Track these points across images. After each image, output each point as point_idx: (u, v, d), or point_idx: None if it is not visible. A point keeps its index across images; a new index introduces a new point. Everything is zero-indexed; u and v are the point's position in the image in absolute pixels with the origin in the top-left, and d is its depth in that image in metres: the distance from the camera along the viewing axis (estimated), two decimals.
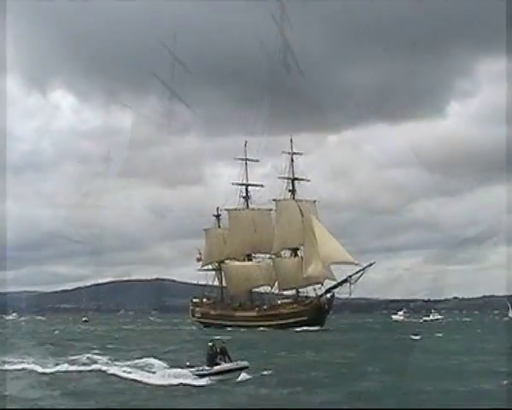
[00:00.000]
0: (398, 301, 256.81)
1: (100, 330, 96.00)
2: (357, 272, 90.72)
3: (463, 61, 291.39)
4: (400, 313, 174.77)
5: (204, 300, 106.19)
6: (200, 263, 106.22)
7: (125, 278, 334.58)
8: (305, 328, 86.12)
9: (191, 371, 25.37)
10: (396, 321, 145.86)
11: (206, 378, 24.72)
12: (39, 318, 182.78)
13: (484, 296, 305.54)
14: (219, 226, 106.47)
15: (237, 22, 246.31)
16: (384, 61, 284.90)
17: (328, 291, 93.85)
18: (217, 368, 25.29)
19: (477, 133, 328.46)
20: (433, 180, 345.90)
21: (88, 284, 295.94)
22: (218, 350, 25.88)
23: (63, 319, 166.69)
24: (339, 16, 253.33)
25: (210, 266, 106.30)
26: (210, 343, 26.24)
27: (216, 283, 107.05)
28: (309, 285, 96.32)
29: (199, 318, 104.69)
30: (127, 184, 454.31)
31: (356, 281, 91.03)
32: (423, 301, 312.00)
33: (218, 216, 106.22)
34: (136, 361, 31.21)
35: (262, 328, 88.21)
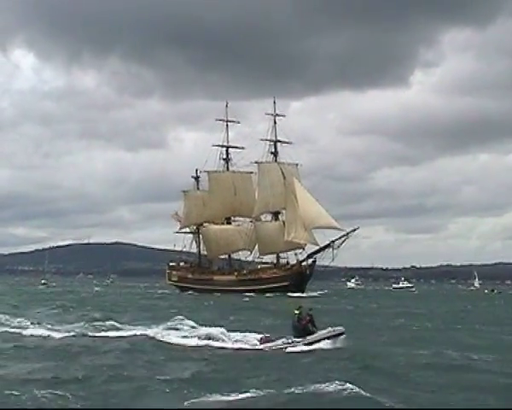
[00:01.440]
0: (356, 268, 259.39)
1: (74, 292, 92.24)
2: (340, 237, 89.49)
3: (428, 30, 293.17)
4: (353, 280, 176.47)
5: (181, 263, 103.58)
6: (178, 225, 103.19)
7: (85, 241, 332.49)
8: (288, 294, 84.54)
9: (284, 343, 22.69)
10: (351, 288, 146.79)
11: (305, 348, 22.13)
12: None
13: (441, 265, 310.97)
14: (198, 189, 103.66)
15: None
16: (348, 30, 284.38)
17: (309, 256, 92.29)
18: (313, 337, 22.57)
19: (439, 103, 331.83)
20: (394, 149, 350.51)
21: (47, 246, 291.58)
22: (306, 317, 23.21)
23: (21, 281, 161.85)
24: None
25: (187, 229, 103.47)
26: (296, 311, 23.49)
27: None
28: (290, 250, 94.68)
29: (175, 281, 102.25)
30: (88, 146, 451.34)
31: (339, 246, 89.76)
32: (381, 269, 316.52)
33: (197, 178, 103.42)
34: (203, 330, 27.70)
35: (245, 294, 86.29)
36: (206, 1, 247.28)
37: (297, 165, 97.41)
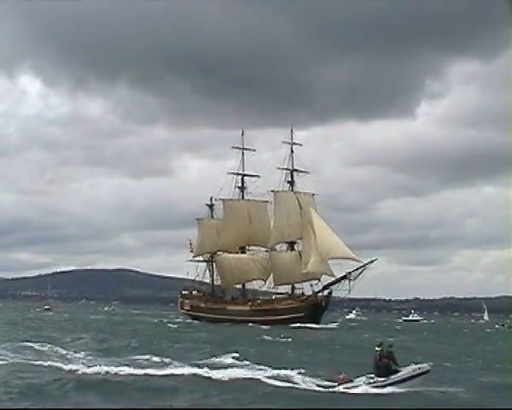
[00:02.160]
0: (358, 299, 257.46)
1: (100, 319, 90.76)
2: (356, 269, 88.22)
3: (434, 62, 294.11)
4: (354, 311, 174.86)
5: (194, 292, 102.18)
6: (191, 254, 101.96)
7: (88, 267, 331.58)
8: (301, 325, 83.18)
9: (366, 383, 21.32)
10: (350, 319, 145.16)
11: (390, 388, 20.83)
12: None
13: (444, 298, 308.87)
14: (212, 217, 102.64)
15: (208, 18, 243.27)
16: (355, 60, 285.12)
17: (325, 288, 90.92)
18: (397, 376, 21.26)
19: (444, 135, 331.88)
20: (399, 180, 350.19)
21: (50, 271, 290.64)
22: (385, 355, 21.87)
23: (24, 306, 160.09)
24: (311, 14, 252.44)
25: (201, 258, 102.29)
26: (378, 348, 22.14)
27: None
28: (306, 281, 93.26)
29: (188, 310, 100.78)
30: (92, 172, 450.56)
31: (355, 278, 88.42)
32: (384, 300, 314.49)
33: (211, 206, 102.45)
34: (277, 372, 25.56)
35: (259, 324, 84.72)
36: (212, 30, 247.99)
37: (313, 195, 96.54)
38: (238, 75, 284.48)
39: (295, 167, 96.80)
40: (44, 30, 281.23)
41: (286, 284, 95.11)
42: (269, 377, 23.77)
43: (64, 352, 31.90)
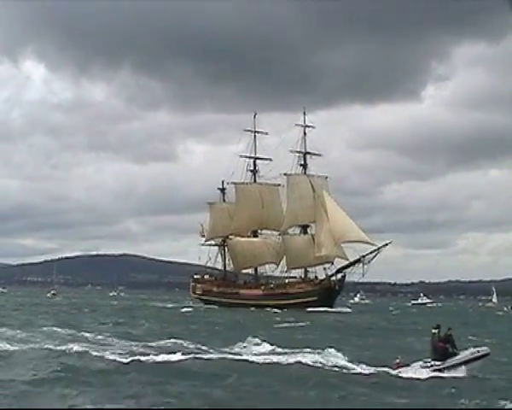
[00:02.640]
0: (363, 283, 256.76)
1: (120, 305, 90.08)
2: (371, 252, 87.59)
3: (440, 44, 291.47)
4: (358, 295, 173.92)
5: (206, 276, 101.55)
6: (203, 238, 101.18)
7: (93, 253, 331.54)
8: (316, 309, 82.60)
9: (423, 367, 20.53)
10: (356, 303, 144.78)
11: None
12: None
13: (449, 281, 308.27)
14: (224, 200, 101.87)
15: (212, 2, 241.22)
16: (360, 43, 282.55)
17: (339, 271, 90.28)
18: (455, 359, 20.49)
19: (450, 118, 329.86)
20: (404, 163, 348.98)
21: (55, 257, 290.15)
22: (442, 338, 21.11)
23: (30, 292, 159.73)
24: None
25: (213, 242, 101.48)
26: (434, 329, 21.37)
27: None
28: (319, 264, 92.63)
29: (200, 295, 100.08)
30: (97, 158, 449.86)
31: (369, 261, 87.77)
32: (389, 284, 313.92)
33: (223, 190, 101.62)
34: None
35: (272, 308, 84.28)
36: (217, 14, 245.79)
37: (326, 177, 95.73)
38: (241, 60, 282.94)
39: (308, 150, 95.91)
40: (48, 15, 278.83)
41: (299, 267, 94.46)
42: (315, 362, 23.03)
43: (97, 337, 31.20)
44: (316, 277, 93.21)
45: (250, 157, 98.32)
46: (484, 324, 60.89)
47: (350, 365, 22.33)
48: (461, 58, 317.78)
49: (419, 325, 50.27)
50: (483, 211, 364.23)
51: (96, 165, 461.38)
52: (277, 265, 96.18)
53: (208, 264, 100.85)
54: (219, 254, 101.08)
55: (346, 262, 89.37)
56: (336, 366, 22.07)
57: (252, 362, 22.98)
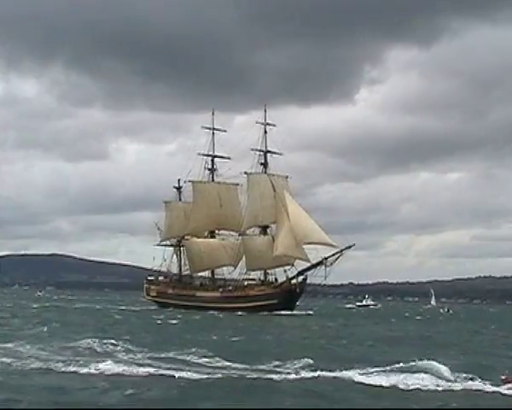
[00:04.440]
0: None
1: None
2: (333, 254, 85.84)
3: (374, 48, 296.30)
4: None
5: (160, 278, 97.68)
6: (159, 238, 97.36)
7: (22, 252, 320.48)
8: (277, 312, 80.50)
9: None
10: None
11: None
12: None
13: (377, 282, 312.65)
14: (180, 200, 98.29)
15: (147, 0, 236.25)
16: (296, 45, 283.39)
17: (300, 273, 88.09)
18: None
19: (382, 121, 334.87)
20: (338, 165, 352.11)
21: None
22: None
23: None
24: None
25: (168, 242, 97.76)
26: None
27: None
28: (279, 266, 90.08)
29: (154, 297, 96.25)
30: (27, 155, 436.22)
31: (332, 264, 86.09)
32: (319, 285, 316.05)
33: (179, 188, 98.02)
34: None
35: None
36: (150, 11, 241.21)
37: (287, 177, 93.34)
38: (177, 58, 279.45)
39: (268, 149, 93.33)
40: None
41: (258, 269, 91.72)
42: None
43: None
44: (276, 279, 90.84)
45: (208, 155, 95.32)
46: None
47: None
48: (393, 62, 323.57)
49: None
50: (412, 213, 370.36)
51: (26, 162, 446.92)
52: (235, 267, 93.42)
53: (163, 265, 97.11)
54: (175, 255, 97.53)
55: (308, 264, 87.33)
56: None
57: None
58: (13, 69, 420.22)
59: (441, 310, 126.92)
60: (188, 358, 25.49)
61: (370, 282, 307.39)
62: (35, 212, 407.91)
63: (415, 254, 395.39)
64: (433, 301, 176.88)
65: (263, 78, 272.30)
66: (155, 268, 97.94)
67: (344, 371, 21.36)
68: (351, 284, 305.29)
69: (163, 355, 25.95)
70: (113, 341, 30.15)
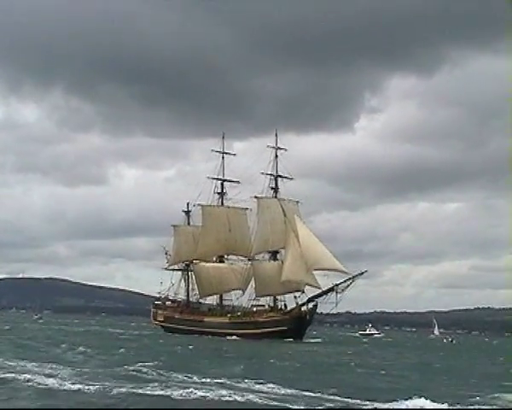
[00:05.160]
0: None
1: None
2: (345, 281, 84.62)
3: (373, 76, 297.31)
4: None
5: (167, 302, 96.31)
6: (167, 262, 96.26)
7: (19, 276, 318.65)
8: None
9: None
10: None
11: None
12: None
13: (375, 312, 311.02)
14: (189, 223, 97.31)
15: (148, 26, 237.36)
16: (295, 72, 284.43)
17: (310, 300, 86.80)
18: None
19: (381, 149, 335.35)
20: (334, 193, 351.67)
21: None
22: None
23: None
24: (253, 25, 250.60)
25: (176, 266, 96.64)
26: None
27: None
28: (289, 292, 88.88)
29: (161, 321, 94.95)
30: (25, 179, 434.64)
31: (343, 290, 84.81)
32: (316, 313, 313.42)
33: (187, 212, 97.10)
34: None
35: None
36: (149, 37, 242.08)
37: (297, 202, 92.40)
38: (176, 84, 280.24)
39: (279, 173, 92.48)
40: None
41: (268, 295, 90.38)
42: None
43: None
44: (285, 305, 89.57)
45: (218, 179, 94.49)
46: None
47: None
48: (393, 91, 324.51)
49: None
50: (410, 243, 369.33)
51: (25, 186, 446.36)
52: (243, 292, 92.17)
53: (171, 290, 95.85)
54: (182, 280, 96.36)
55: (319, 291, 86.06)
56: None
57: None
58: (13, 94, 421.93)
59: (444, 340, 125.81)
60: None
61: (367, 311, 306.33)
62: (33, 236, 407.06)
63: (412, 283, 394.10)
64: (436, 331, 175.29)
65: (261, 105, 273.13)
66: (162, 292, 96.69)
67: None
68: (348, 312, 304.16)
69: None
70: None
